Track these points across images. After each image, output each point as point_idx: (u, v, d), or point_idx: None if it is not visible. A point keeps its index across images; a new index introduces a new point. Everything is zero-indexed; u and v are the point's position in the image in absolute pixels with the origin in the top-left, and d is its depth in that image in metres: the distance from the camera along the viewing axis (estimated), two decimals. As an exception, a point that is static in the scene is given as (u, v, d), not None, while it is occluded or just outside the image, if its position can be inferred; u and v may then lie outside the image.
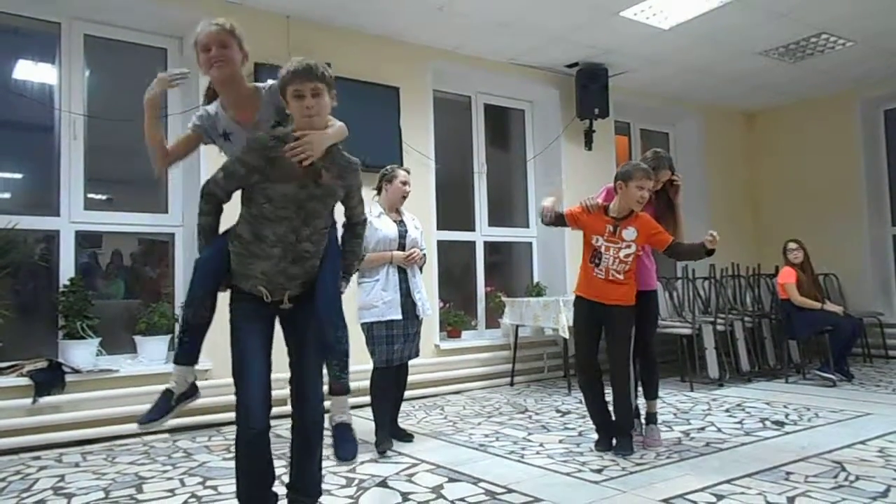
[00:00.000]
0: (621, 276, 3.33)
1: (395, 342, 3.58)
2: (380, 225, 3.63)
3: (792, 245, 5.53)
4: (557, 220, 3.49)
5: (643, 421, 3.61)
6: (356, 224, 2.35)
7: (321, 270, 2.20)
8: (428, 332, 5.29)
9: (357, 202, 2.31)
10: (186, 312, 2.20)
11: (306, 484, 2.25)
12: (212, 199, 2.19)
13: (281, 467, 3.13)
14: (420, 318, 3.72)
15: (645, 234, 3.32)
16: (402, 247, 3.68)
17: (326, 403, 2.20)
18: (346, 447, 2.12)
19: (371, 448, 3.53)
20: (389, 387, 3.64)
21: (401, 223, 3.76)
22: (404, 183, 3.75)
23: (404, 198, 3.79)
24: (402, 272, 3.66)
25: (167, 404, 2.20)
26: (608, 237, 3.35)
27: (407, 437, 3.74)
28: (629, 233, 3.32)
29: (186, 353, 2.23)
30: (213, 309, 2.20)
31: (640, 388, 3.61)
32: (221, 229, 2.24)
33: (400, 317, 3.58)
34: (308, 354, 2.20)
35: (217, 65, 2.25)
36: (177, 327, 4.46)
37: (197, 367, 2.27)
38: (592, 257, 3.40)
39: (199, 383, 3.91)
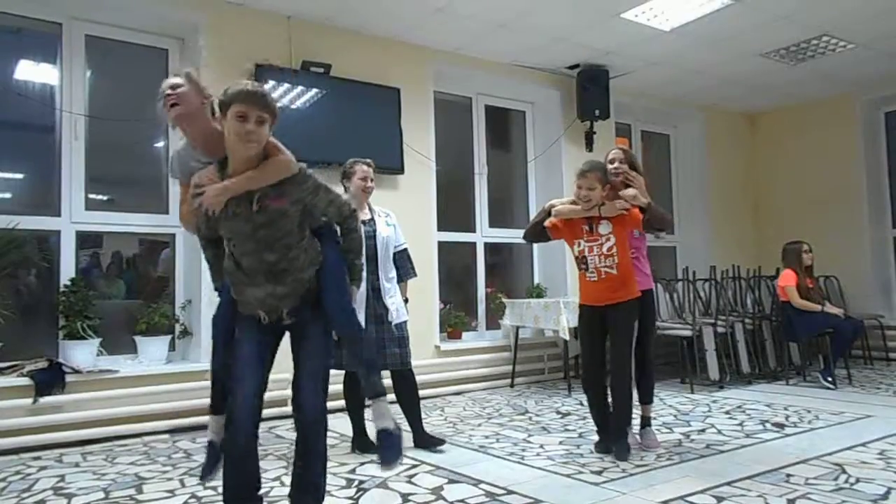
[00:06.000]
0: (614, 271, 3.32)
1: None
2: None
3: (805, 247, 5.53)
4: (540, 233, 3.52)
5: (638, 424, 3.61)
6: (342, 222, 2.29)
7: (323, 281, 2.22)
8: (428, 333, 5.31)
9: (326, 204, 2.23)
10: (213, 365, 2.30)
11: (306, 487, 2.25)
12: (200, 235, 2.29)
13: (281, 468, 3.14)
14: (394, 323, 3.48)
15: (617, 221, 3.32)
16: (371, 248, 3.47)
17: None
18: (386, 454, 2.18)
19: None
20: (356, 391, 3.51)
21: (369, 222, 3.53)
22: (363, 179, 3.51)
23: (366, 192, 3.55)
24: (373, 275, 3.47)
25: (216, 455, 2.25)
26: (587, 237, 3.37)
27: (437, 441, 3.59)
28: (604, 227, 3.34)
29: (217, 401, 2.29)
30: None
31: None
32: None
33: (362, 325, 3.35)
34: (306, 358, 2.21)
35: (171, 105, 2.37)
36: (177, 328, 4.47)
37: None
38: (580, 265, 3.43)
39: (199, 383, 3.93)
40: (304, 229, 2.22)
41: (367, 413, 3.69)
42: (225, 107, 2.07)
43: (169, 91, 2.34)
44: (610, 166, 3.54)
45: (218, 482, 2.94)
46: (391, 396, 3.64)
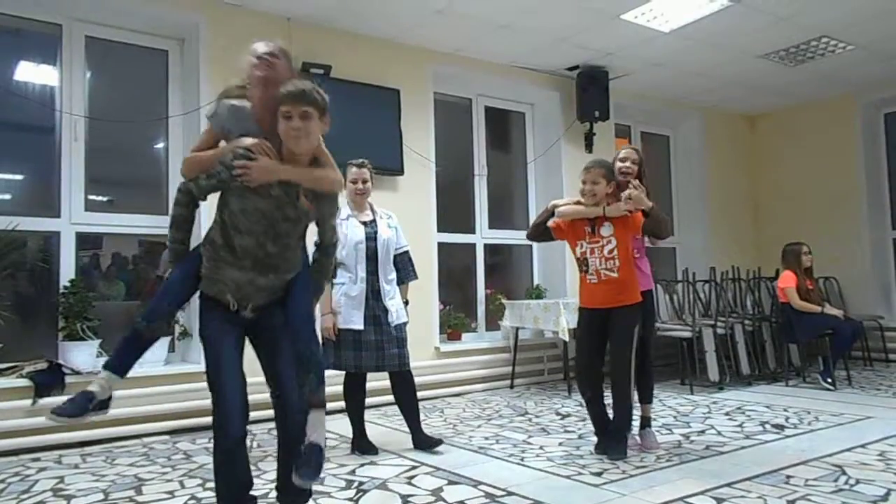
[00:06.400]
0: (614, 273, 3.32)
1: (362, 349, 3.42)
2: (345, 228, 3.40)
3: (805, 248, 5.53)
4: (543, 232, 3.53)
5: (637, 425, 3.61)
6: (327, 247, 2.35)
7: (294, 285, 2.23)
8: (428, 334, 5.31)
9: (328, 229, 2.31)
10: (140, 325, 2.14)
11: (295, 489, 2.25)
12: (188, 194, 2.18)
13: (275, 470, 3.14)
14: (394, 324, 3.48)
15: (620, 223, 3.32)
16: (371, 249, 3.49)
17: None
18: (307, 471, 2.06)
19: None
20: (356, 392, 3.55)
21: (371, 224, 3.54)
22: (354, 181, 3.49)
23: (359, 195, 3.53)
24: (372, 276, 3.48)
25: (86, 405, 2.08)
26: (589, 239, 3.37)
27: (435, 442, 3.57)
28: (606, 229, 3.34)
29: (123, 363, 2.17)
30: (169, 327, 2.23)
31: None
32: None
33: (361, 326, 3.40)
34: (282, 359, 2.21)
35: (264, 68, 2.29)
36: (176, 329, 4.47)
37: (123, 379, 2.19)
38: (581, 266, 3.43)
39: (197, 385, 3.90)
40: (302, 237, 2.28)
41: (367, 414, 3.71)
42: (277, 107, 2.13)
43: (268, 56, 2.29)
44: (620, 164, 3.54)
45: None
46: (389, 398, 3.68)
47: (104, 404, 2.16)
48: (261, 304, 2.19)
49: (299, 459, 2.09)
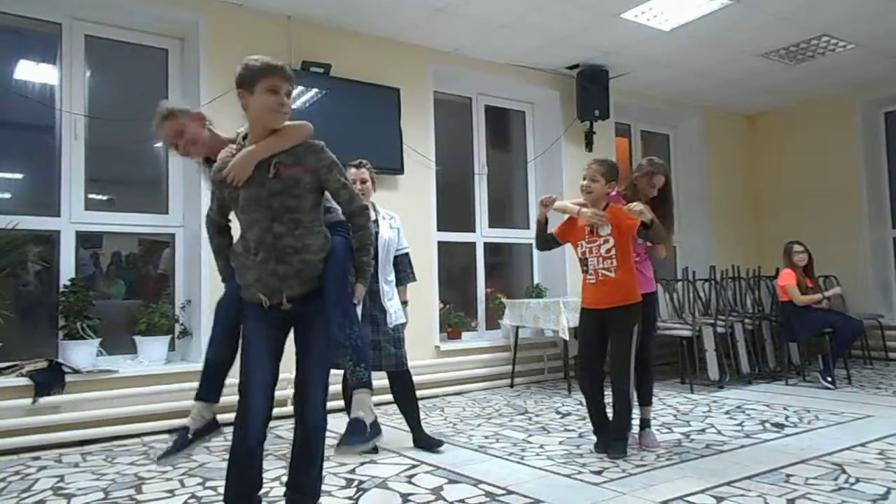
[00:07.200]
0: (612, 274, 3.33)
1: None
2: None
3: (798, 248, 5.52)
4: (548, 240, 3.56)
5: (637, 425, 3.61)
6: (352, 215, 2.25)
7: (325, 269, 2.18)
8: (428, 333, 5.31)
9: (339, 186, 2.19)
10: (208, 351, 2.30)
11: (305, 487, 2.25)
12: (209, 223, 2.33)
13: (281, 468, 3.14)
14: (392, 325, 3.47)
15: (616, 224, 3.33)
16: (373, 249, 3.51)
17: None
18: (350, 437, 2.12)
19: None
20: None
21: (373, 223, 3.60)
22: (353, 182, 3.52)
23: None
24: (371, 276, 3.49)
25: (184, 440, 2.23)
26: (588, 239, 3.40)
27: (436, 443, 3.57)
28: (603, 228, 3.36)
29: (205, 389, 2.28)
30: (234, 348, 2.25)
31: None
32: None
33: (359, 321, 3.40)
34: (310, 359, 2.18)
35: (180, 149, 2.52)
36: (177, 328, 4.47)
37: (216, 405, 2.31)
38: (582, 266, 3.46)
39: (197, 384, 3.89)
40: (316, 211, 2.19)
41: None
42: (250, 81, 2.08)
43: (174, 141, 2.54)
44: (650, 189, 3.55)
45: (217, 481, 2.95)
46: (388, 397, 3.68)
47: (209, 428, 2.30)
48: (297, 294, 2.15)
49: (346, 429, 2.17)
